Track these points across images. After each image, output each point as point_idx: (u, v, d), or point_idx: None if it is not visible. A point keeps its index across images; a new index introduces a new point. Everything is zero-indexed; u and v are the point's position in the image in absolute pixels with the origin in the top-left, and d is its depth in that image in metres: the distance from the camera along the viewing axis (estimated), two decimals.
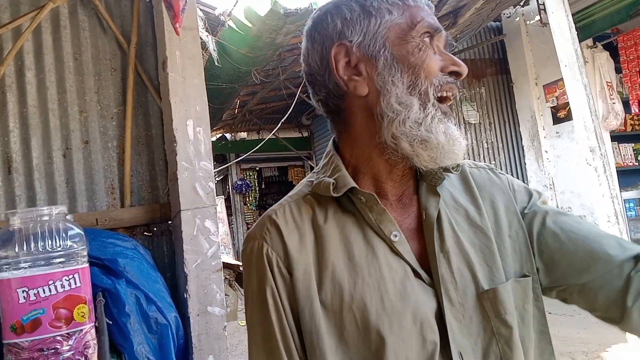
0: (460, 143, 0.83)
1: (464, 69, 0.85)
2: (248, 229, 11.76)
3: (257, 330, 0.86)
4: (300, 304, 0.82)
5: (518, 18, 6.91)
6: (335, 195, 0.85)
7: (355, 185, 0.85)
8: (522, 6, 6.68)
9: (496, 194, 0.93)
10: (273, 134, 8.10)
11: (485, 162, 7.01)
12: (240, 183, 12.01)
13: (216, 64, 5.33)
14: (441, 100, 0.84)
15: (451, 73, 0.84)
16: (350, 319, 0.80)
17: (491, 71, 7.45)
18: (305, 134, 11.74)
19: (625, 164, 6.67)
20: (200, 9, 4.73)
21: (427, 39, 0.84)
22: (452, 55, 0.86)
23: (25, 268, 1.23)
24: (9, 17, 2.00)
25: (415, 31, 0.84)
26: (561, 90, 6.36)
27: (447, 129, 0.82)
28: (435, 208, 0.86)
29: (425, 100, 0.83)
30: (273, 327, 0.83)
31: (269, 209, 0.93)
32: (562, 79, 4.03)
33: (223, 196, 11.66)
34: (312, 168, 11.79)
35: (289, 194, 0.95)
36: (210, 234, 1.99)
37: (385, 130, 0.83)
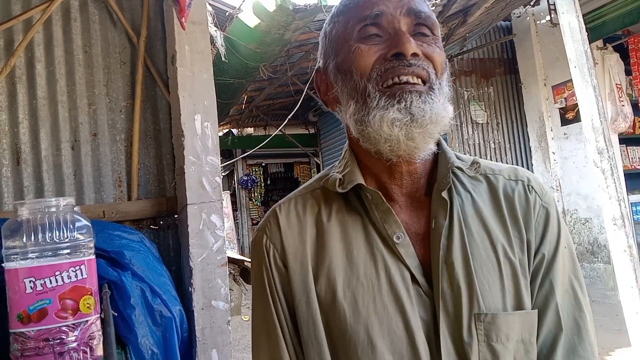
0: (409, 124, 0.77)
1: (405, 47, 0.78)
2: (253, 224, 11.81)
3: (257, 319, 0.89)
4: (296, 295, 0.83)
5: (528, 18, 6.88)
6: (340, 191, 0.86)
7: (362, 182, 0.85)
8: (533, 6, 6.64)
9: (521, 216, 0.87)
10: (280, 130, 8.10)
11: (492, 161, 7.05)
12: (246, 179, 12.05)
13: (224, 59, 5.33)
14: (391, 88, 0.79)
15: (394, 55, 0.80)
16: (341, 315, 0.79)
17: (500, 71, 7.42)
18: (312, 131, 11.75)
19: (633, 167, 6.63)
20: (209, 4, 4.74)
21: (363, 34, 0.82)
22: (399, 35, 0.80)
23: (33, 258, 1.24)
24: (20, 9, 2.01)
25: (349, 34, 0.84)
26: (570, 92, 6.33)
27: (384, 116, 0.78)
28: (445, 216, 0.82)
29: (365, 97, 0.81)
30: (272, 315, 0.85)
31: (277, 203, 0.95)
32: (571, 80, 4.01)
33: (229, 191, 11.70)
34: (318, 165, 11.79)
35: (301, 187, 0.97)
36: (215, 229, 2.00)
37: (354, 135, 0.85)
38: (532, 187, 0.90)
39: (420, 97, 0.78)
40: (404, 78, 0.79)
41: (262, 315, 0.87)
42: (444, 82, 0.84)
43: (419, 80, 0.80)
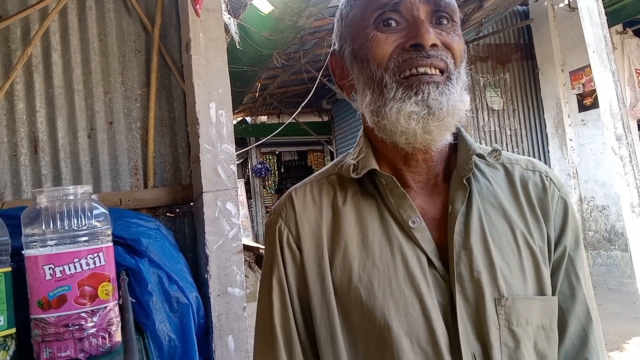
0: (426, 117, 0.77)
1: (423, 38, 0.77)
2: (267, 212, 11.86)
3: (261, 307, 0.89)
4: (310, 280, 0.83)
5: (546, 2, 6.76)
6: (354, 177, 0.85)
7: (376, 167, 0.84)
8: None
9: (539, 206, 0.87)
10: (293, 118, 8.09)
11: (508, 148, 6.88)
12: (260, 167, 12.08)
13: (238, 47, 5.32)
14: (408, 79, 0.79)
15: (413, 46, 0.79)
16: (356, 299, 0.79)
17: (516, 56, 7.32)
18: (326, 119, 11.71)
19: None
20: None
21: (380, 22, 0.81)
22: (418, 24, 0.79)
23: (52, 246, 1.25)
24: None
25: (366, 20, 0.82)
26: (588, 77, 6.23)
27: (401, 108, 0.77)
28: (462, 201, 0.82)
29: (381, 88, 0.80)
30: (274, 309, 0.85)
31: (293, 186, 0.94)
32: (589, 66, 3.95)
33: (243, 179, 11.75)
34: (331, 152, 11.78)
35: (316, 172, 0.97)
36: (231, 216, 2.01)
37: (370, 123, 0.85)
38: (550, 177, 0.90)
39: (437, 88, 0.77)
40: (422, 70, 0.78)
41: (268, 298, 0.87)
42: (462, 71, 0.83)
43: (437, 71, 0.79)
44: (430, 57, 0.78)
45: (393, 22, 0.81)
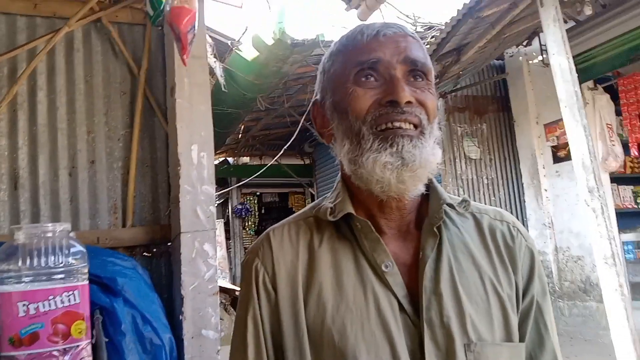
0: (400, 168, 0.81)
1: (399, 96, 0.82)
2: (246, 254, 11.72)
3: (235, 345, 0.90)
4: (283, 321, 0.85)
5: (520, 57, 7.03)
6: (331, 219, 0.89)
7: (352, 212, 0.88)
8: (525, 46, 6.80)
9: (506, 255, 0.91)
10: (275, 160, 8.16)
11: (484, 197, 6.97)
12: (240, 207, 12.02)
13: (223, 89, 5.41)
14: (384, 132, 0.83)
15: (389, 102, 0.83)
16: (329, 340, 0.81)
17: (493, 108, 7.53)
18: (307, 161, 11.79)
19: (624, 205, 6.67)
20: (210, 36, 4.84)
21: (360, 78, 0.86)
22: (394, 82, 0.84)
23: (27, 282, 1.25)
24: (26, 38, 2.07)
25: (346, 75, 0.87)
26: (562, 130, 6.41)
27: (377, 159, 0.82)
28: (432, 248, 0.86)
29: (359, 139, 0.84)
30: (247, 346, 0.87)
31: (271, 227, 0.97)
32: (562, 119, 4.09)
33: (222, 219, 11.66)
34: (312, 195, 11.81)
35: (295, 214, 0.99)
36: (208, 257, 2.02)
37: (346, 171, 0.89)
38: (517, 228, 0.94)
39: (411, 141, 0.82)
40: (397, 124, 0.83)
41: (242, 337, 0.88)
42: (435, 126, 0.88)
43: (411, 126, 0.84)
44: (405, 113, 0.83)
45: (372, 78, 0.86)
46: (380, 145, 0.82)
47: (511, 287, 0.88)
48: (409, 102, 0.83)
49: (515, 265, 0.90)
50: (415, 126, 0.84)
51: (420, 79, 0.88)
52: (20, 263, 1.26)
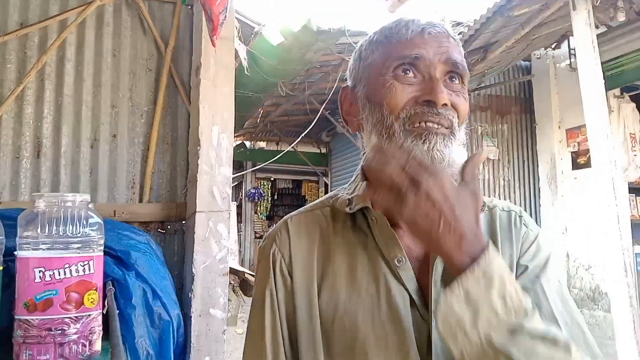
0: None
1: (438, 97, 0.83)
2: (256, 237, 11.81)
3: (252, 328, 0.92)
4: (298, 306, 0.87)
5: (548, 60, 6.92)
6: (348, 211, 0.90)
7: (369, 205, 0.89)
8: (553, 49, 6.69)
9: (505, 243, 0.91)
10: (292, 147, 8.17)
11: (500, 198, 6.93)
12: (254, 191, 12.08)
13: (246, 72, 5.42)
14: (417, 129, 0.84)
15: (426, 102, 0.84)
16: (340, 328, 0.83)
17: (515, 109, 7.45)
18: (324, 150, 11.78)
19: None
20: (236, 18, 4.83)
21: (399, 72, 0.86)
22: (434, 82, 0.85)
23: (44, 249, 1.27)
24: (58, 9, 2.10)
25: (385, 67, 0.87)
26: (584, 136, 6.33)
27: None
28: None
29: (390, 133, 0.85)
30: (265, 329, 0.88)
31: (289, 214, 0.99)
32: (585, 125, 4.03)
33: (235, 202, 11.73)
34: (326, 184, 11.82)
35: (312, 202, 1.01)
36: (221, 238, 2.04)
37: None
38: (522, 217, 0.96)
39: (443, 140, 0.83)
40: (430, 125, 0.84)
41: (260, 319, 0.90)
42: (463, 129, 0.89)
43: (443, 127, 0.85)
44: (439, 115, 0.84)
45: (410, 74, 0.86)
46: (413, 142, 0.83)
47: (512, 271, 0.88)
48: (444, 105, 0.84)
49: (513, 244, 0.91)
50: (447, 128, 0.85)
51: (457, 82, 0.89)
52: (39, 230, 1.28)
